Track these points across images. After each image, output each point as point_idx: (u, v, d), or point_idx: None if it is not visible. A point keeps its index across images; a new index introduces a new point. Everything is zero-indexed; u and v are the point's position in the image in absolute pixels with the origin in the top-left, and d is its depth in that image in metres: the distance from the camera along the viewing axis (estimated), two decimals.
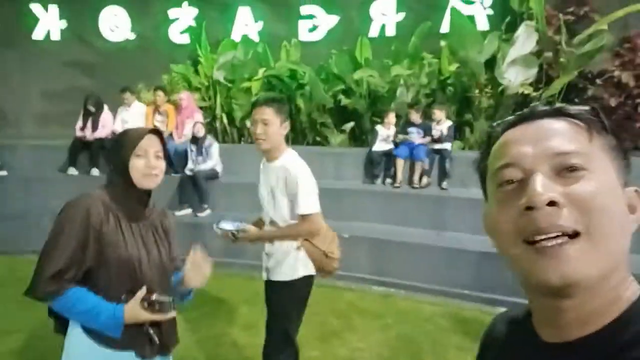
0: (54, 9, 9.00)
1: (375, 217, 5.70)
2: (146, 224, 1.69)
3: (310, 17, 8.46)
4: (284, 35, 8.35)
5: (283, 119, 2.46)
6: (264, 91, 8.02)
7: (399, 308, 4.47)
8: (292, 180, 2.40)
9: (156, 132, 1.69)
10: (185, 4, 8.91)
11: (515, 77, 6.43)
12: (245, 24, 8.73)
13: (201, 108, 7.67)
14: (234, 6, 8.73)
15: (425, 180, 6.09)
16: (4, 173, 6.67)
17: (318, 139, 7.87)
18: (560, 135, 0.60)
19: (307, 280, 2.55)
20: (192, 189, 6.20)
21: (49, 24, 9.03)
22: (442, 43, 7.25)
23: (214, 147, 6.46)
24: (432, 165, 6.18)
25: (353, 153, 6.75)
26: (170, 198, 6.21)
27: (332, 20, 8.40)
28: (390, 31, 8.09)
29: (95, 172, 6.67)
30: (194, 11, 8.90)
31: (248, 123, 7.77)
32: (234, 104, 8.02)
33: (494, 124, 0.70)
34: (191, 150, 6.44)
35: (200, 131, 6.41)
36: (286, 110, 2.50)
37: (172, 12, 8.93)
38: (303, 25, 8.49)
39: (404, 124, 6.65)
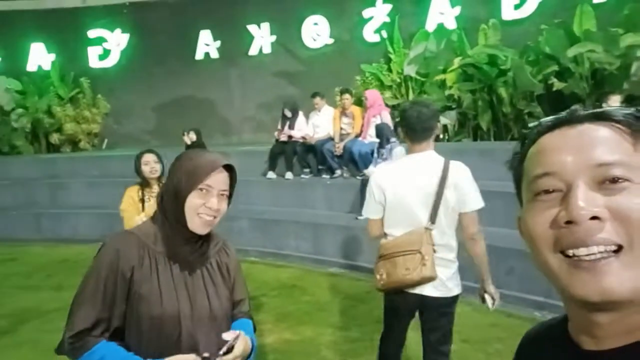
0: (265, 25, 9.90)
1: None
2: (195, 265, 1.40)
3: None
4: (484, 17, 7.42)
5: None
6: (460, 82, 7.28)
7: None
8: None
9: (229, 168, 1.40)
10: (379, 1, 8.72)
11: None
12: (441, 12, 8.09)
13: (392, 106, 7.34)
14: None
15: None
16: None
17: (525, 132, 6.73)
18: (603, 143, 0.55)
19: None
20: None
21: (262, 39, 9.97)
22: None
23: (398, 150, 6.02)
24: None
25: None
26: (352, 202, 6.08)
27: None
28: None
29: (289, 175, 7.01)
30: (388, 7, 8.65)
31: (442, 119, 7.14)
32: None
33: (530, 125, 0.64)
34: (376, 152, 6.17)
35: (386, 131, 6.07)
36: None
37: (366, 12, 8.87)
38: (507, 3, 7.40)
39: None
